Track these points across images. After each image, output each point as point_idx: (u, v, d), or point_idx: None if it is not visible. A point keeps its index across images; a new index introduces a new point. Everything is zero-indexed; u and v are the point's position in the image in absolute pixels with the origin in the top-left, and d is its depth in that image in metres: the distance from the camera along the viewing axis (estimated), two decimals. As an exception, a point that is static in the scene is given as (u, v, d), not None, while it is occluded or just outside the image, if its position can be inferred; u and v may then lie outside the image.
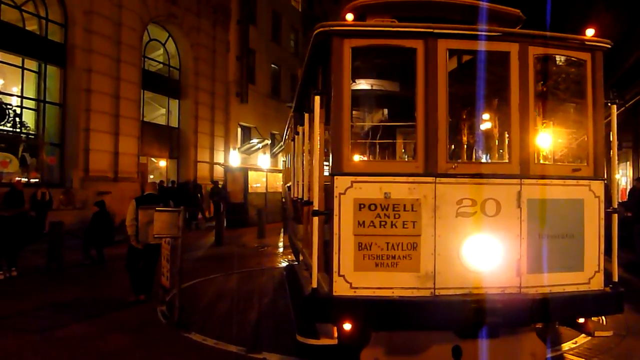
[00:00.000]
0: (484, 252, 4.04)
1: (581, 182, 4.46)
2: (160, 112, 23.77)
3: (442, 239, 3.97)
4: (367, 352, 4.13)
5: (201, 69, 24.17)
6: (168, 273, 7.02)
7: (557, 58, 5.04)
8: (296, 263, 9.40)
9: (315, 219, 3.90)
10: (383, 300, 3.87)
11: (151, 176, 22.79)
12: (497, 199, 4.10)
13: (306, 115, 5.05)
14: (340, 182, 3.90)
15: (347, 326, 3.88)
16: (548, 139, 5.97)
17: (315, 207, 3.91)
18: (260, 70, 29.97)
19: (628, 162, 17.77)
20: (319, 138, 4.08)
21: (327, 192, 4.08)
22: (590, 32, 4.43)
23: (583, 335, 6.15)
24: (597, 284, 4.40)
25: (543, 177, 4.30)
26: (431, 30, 4.03)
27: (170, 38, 23.31)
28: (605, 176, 4.76)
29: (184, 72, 23.84)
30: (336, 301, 3.88)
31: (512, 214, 4.14)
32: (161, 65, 23.42)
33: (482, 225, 4.04)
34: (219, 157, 25.62)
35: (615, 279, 4.48)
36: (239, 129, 27.93)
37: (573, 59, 4.65)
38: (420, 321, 3.96)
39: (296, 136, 7.54)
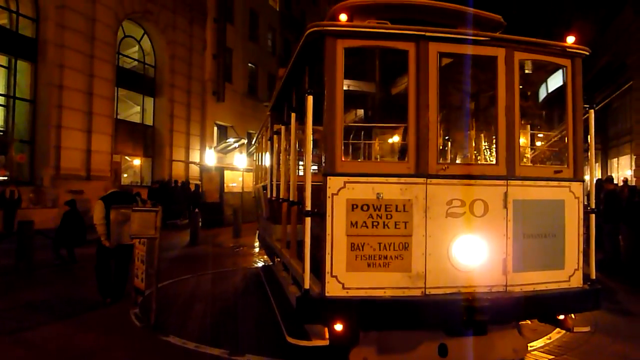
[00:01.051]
0: (473, 252, 4.12)
1: (562, 183, 4.59)
2: (135, 109, 23.37)
3: (433, 239, 4.02)
4: (355, 352, 4.14)
5: (177, 66, 23.87)
6: (143, 275, 6.81)
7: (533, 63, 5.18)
8: (271, 264, 9.41)
9: (308, 220, 3.89)
10: (375, 301, 3.88)
11: (125, 175, 22.39)
12: (485, 200, 4.19)
13: (292, 115, 5.03)
14: (333, 183, 3.90)
15: (339, 327, 3.87)
16: (527, 141, 6.13)
17: (308, 208, 3.90)
18: (237, 69, 29.77)
19: (597, 164, 18.40)
20: (310, 138, 4.06)
21: (318, 192, 4.08)
22: (570, 40, 4.57)
23: (556, 331, 6.31)
24: (577, 281, 4.54)
25: (527, 179, 4.42)
26: (423, 33, 4.07)
27: (145, 35, 22.96)
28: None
29: (160, 69, 23.51)
30: (329, 302, 3.87)
31: (499, 214, 4.24)
32: (136, 63, 23.06)
33: (470, 226, 4.12)
34: (195, 156, 25.34)
35: (593, 276, 4.63)
36: (215, 128, 27.70)
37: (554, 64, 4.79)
38: (411, 320, 4.00)
39: (275, 135, 7.51)
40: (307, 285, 3.88)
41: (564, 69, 4.72)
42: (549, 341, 6.01)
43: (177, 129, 24.06)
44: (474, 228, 4.13)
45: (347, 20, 4.63)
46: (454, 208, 4.09)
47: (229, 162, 26.02)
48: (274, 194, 7.29)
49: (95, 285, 7.62)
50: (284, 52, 36.28)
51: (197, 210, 18.22)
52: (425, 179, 4.05)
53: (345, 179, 3.91)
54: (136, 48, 23.03)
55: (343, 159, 4.07)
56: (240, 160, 26.99)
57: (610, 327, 6.29)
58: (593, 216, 4.74)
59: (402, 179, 4.01)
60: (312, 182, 6.49)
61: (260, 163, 10.35)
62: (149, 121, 23.52)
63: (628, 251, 9.93)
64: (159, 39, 23.15)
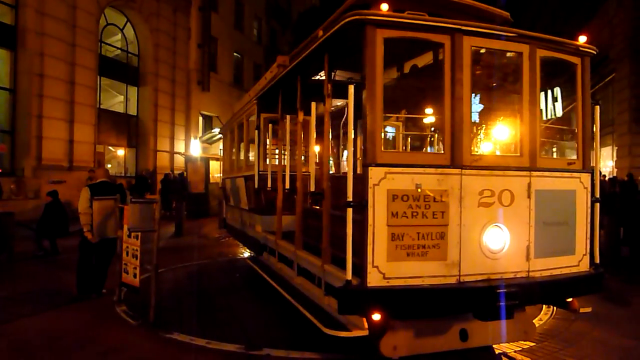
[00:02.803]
0: (501, 240, 4.30)
1: (574, 174, 4.86)
2: (118, 99, 22.85)
3: (467, 228, 4.14)
4: (386, 340, 4.22)
5: (161, 55, 23.41)
6: (136, 270, 6.59)
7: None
8: (253, 255, 9.37)
9: (349, 210, 3.92)
10: (414, 289, 3.97)
11: (108, 165, 22.00)
12: (512, 190, 4.36)
13: (313, 105, 5.00)
14: (375, 173, 3.93)
15: (377, 316, 3.93)
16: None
17: (350, 198, 3.93)
18: (222, 58, 29.39)
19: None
20: (352, 129, 4.08)
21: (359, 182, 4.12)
22: (582, 39, 4.80)
23: (544, 312, 6.74)
24: (585, 265, 4.85)
25: (546, 170, 4.64)
26: (459, 27, 4.15)
27: (128, 23, 22.41)
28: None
29: (143, 58, 23.01)
30: (371, 292, 3.91)
31: (523, 203, 4.43)
32: (119, 51, 22.51)
33: (499, 215, 4.29)
34: (180, 146, 25.01)
35: (597, 260, 4.93)
36: (201, 118, 27.38)
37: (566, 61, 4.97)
38: (447, 307, 4.14)
39: (270, 124, 7.41)
40: (349, 276, 3.92)
41: (575, 66, 4.93)
42: (540, 322, 6.27)
43: (162, 119, 23.65)
44: (502, 217, 4.30)
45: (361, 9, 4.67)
46: (485, 198, 4.23)
47: (215, 152, 25.77)
48: (269, 184, 7.19)
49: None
50: (270, 41, 35.94)
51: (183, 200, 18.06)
52: (460, 169, 4.16)
53: (386, 169, 3.96)
54: (119, 36, 22.48)
55: (383, 150, 4.11)
56: (225, 150, 26.75)
57: (591, 314, 6.42)
58: (597, 205, 4.99)
59: (439, 170, 4.11)
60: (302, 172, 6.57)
61: (237, 153, 10.09)
62: (132, 111, 23.03)
63: (608, 240, 10.25)
64: (142, 27, 22.64)
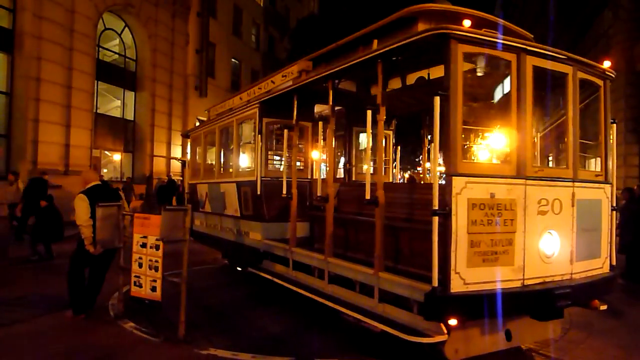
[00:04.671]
0: (553, 245, 4.62)
1: (600, 185, 5.28)
2: (115, 104, 22.76)
3: (529, 235, 4.41)
4: (450, 344, 4.37)
5: (159, 61, 23.35)
6: (155, 283, 6.07)
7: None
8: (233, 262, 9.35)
9: (436, 219, 4.06)
10: (489, 294, 4.15)
11: (104, 170, 21.80)
12: (561, 199, 4.69)
13: (368, 113, 5.07)
14: (457, 183, 4.12)
15: (453, 321, 4.09)
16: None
17: (435, 207, 4.07)
18: (220, 64, 29.41)
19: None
20: (437, 138, 4.21)
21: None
22: (607, 64, 5.23)
23: None
24: (606, 267, 5.26)
25: (583, 181, 5.01)
26: (524, 46, 4.45)
27: (126, 28, 22.36)
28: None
29: (141, 63, 22.94)
30: (453, 298, 4.07)
31: (568, 211, 4.77)
32: (117, 56, 22.44)
33: (552, 222, 4.60)
34: (177, 151, 24.91)
35: (614, 262, 5.35)
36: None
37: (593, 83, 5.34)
38: (512, 310, 4.37)
39: (286, 130, 7.40)
40: (435, 283, 4.05)
41: (599, 88, 5.35)
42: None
43: (159, 124, 23.57)
44: (554, 224, 4.61)
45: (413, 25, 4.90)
46: (542, 207, 4.53)
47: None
48: (284, 191, 7.10)
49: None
50: (268, 48, 35.97)
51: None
52: (524, 180, 4.44)
53: (467, 179, 4.17)
54: (117, 41, 22.42)
55: (463, 160, 4.32)
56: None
57: (585, 323, 6.58)
58: (614, 213, 5.47)
59: (508, 180, 4.37)
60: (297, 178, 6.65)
61: (218, 158, 9.66)
62: (129, 116, 22.92)
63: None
64: (140, 32, 22.57)
